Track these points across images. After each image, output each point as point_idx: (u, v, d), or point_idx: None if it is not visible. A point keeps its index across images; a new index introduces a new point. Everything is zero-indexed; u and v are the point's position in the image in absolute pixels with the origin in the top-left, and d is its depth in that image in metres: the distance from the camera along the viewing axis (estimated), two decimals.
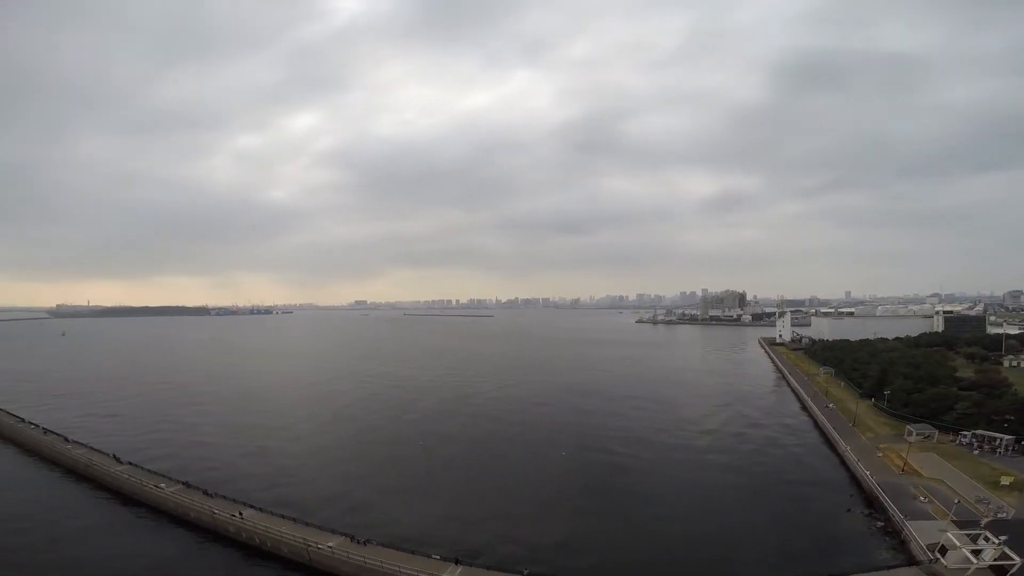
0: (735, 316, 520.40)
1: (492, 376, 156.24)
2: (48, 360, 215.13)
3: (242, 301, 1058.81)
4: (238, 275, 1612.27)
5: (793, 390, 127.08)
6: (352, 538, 44.80)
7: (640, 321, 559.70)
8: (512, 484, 63.60)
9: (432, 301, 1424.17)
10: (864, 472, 61.49)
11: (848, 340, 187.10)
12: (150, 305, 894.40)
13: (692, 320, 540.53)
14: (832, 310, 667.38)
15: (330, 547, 43.25)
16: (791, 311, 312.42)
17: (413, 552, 42.50)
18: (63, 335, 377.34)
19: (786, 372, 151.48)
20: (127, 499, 58.92)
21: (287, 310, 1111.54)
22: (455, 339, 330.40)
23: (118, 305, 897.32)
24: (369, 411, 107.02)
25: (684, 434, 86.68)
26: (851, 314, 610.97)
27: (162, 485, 58.15)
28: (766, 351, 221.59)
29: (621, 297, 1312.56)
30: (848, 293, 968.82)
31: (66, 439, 77.40)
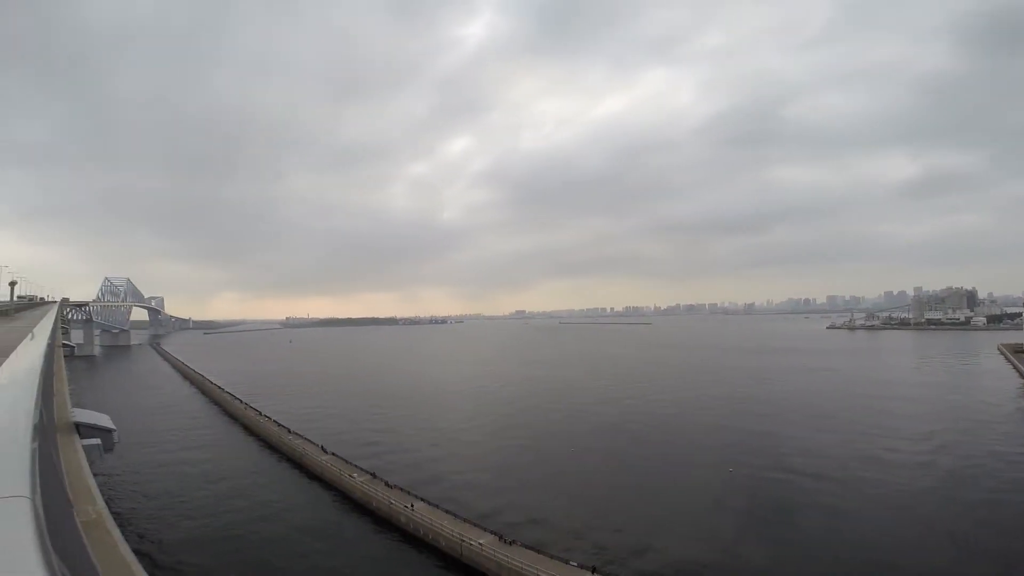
0: (963, 319, 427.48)
1: (648, 386, 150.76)
2: (280, 363, 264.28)
3: (422, 313, 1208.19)
4: (418, 289, 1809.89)
5: None
6: (501, 537, 47.52)
7: (832, 327, 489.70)
8: (670, 500, 61.15)
9: (587, 309, 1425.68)
10: None
11: None
12: (352, 317, 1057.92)
13: (903, 324, 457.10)
14: None
15: (480, 544, 46.43)
16: None
17: (552, 557, 43.55)
18: (290, 342, 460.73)
19: None
20: (327, 485, 69.73)
21: (459, 320, 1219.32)
22: (613, 347, 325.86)
23: (330, 317, 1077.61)
24: (531, 419, 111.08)
25: (892, 461, 73.55)
26: None
27: (354, 475, 67.63)
28: (1009, 360, 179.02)
29: (806, 300, 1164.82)
30: None
31: (289, 431, 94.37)
